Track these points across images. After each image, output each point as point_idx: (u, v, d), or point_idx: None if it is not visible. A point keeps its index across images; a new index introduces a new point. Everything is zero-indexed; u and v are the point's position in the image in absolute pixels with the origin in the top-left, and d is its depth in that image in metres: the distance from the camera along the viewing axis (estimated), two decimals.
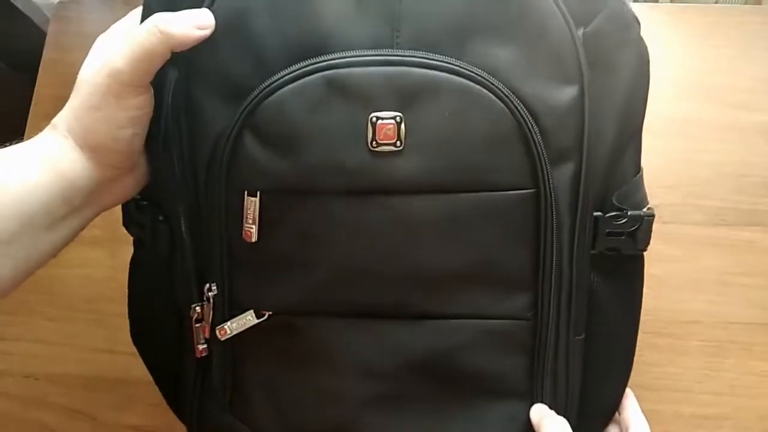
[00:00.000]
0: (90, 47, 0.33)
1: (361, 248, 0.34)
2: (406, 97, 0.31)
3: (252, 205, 0.33)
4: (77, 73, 0.32)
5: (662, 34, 0.57)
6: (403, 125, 0.31)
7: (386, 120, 0.31)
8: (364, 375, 0.36)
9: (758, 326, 0.51)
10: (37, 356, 0.53)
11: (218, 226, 0.34)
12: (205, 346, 0.36)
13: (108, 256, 0.54)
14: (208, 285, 0.35)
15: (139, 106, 0.32)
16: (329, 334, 0.36)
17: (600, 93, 0.34)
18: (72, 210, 0.33)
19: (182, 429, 0.49)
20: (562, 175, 0.34)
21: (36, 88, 0.62)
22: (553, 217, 0.33)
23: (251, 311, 0.35)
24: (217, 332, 0.35)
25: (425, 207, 0.33)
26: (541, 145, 0.32)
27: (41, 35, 0.66)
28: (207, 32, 0.31)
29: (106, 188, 0.34)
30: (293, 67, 0.31)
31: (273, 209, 0.34)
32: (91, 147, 0.32)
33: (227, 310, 0.35)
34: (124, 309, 0.53)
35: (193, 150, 0.34)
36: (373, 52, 0.31)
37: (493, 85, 0.31)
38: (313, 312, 0.36)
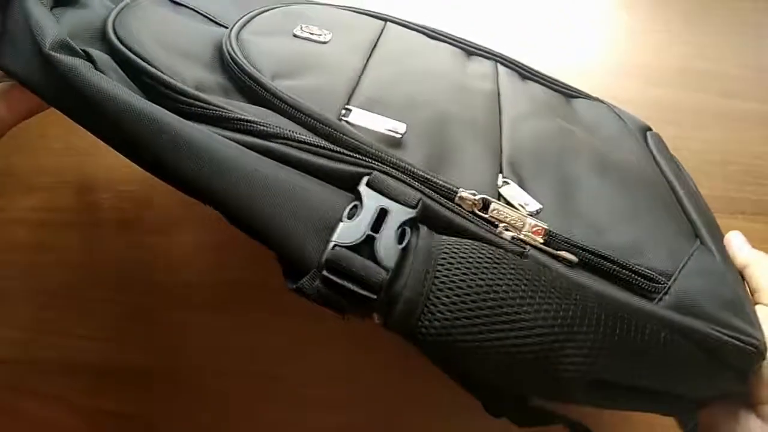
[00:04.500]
0: None
1: None
2: None
3: None
4: None
5: (648, 18, 0.56)
6: None
7: None
8: None
9: None
10: (12, 341, 0.53)
11: None
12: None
13: (82, 240, 0.53)
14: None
15: None
16: None
17: None
18: None
19: (159, 415, 0.48)
20: None
21: None
22: None
23: None
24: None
25: None
26: None
27: None
28: None
29: None
30: None
31: None
32: None
33: None
34: (101, 293, 0.52)
35: None
36: None
37: None
38: None
